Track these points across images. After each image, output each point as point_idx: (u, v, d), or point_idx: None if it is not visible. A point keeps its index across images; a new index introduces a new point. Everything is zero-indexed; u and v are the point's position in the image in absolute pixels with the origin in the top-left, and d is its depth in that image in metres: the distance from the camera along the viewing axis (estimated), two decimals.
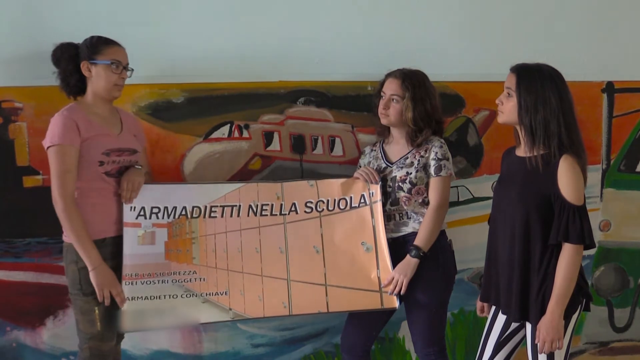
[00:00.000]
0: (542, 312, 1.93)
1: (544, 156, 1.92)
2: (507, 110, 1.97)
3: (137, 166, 2.23)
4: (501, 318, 2.09)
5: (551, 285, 1.92)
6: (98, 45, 2.13)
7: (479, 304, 2.22)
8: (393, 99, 2.31)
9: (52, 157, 2.04)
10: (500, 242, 2.05)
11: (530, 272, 1.96)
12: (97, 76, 2.12)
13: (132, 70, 2.19)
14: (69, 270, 2.12)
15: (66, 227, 2.05)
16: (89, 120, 2.10)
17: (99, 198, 2.13)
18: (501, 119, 2.02)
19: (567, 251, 1.89)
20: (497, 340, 2.10)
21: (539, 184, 1.92)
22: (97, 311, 2.10)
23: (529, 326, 2.00)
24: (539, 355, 1.95)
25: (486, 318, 2.18)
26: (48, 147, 2.05)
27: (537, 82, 1.91)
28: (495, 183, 2.23)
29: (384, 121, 2.34)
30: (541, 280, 1.94)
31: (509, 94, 1.96)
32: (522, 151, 2.00)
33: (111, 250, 2.15)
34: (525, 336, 2.07)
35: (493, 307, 2.14)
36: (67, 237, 2.10)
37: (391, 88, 2.32)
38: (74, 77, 2.13)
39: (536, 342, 1.93)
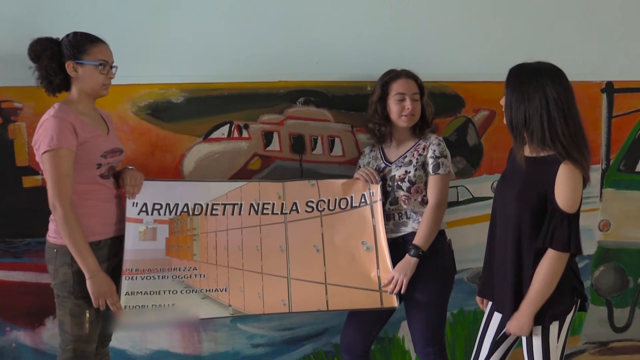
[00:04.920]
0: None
1: (543, 159, 1.91)
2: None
3: (129, 167, 2.23)
4: (497, 317, 2.09)
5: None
6: (84, 44, 2.05)
7: (478, 297, 2.24)
8: (415, 98, 2.32)
9: (49, 162, 1.97)
10: (496, 239, 2.05)
11: (523, 272, 1.95)
12: (84, 76, 2.06)
13: (117, 67, 2.13)
14: (60, 272, 2.06)
15: (64, 233, 1.99)
16: (82, 122, 2.05)
17: (94, 201, 2.10)
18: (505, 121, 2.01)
19: (550, 257, 1.89)
20: (493, 339, 2.10)
21: (537, 185, 1.92)
22: (87, 315, 2.07)
23: None
24: (535, 355, 1.97)
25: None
26: (45, 152, 1.97)
27: (522, 79, 1.91)
28: (495, 182, 2.23)
29: (409, 123, 2.32)
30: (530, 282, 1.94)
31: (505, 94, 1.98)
32: (526, 150, 1.98)
33: (106, 253, 2.12)
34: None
35: (489, 305, 2.14)
36: (56, 238, 2.06)
37: (409, 88, 2.32)
38: (58, 77, 2.05)
39: (506, 331, 1.97)
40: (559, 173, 1.87)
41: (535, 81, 1.89)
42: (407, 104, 2.30)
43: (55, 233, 2.07)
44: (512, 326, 1.95)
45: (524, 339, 2.00)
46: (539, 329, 1.95)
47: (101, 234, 2.12)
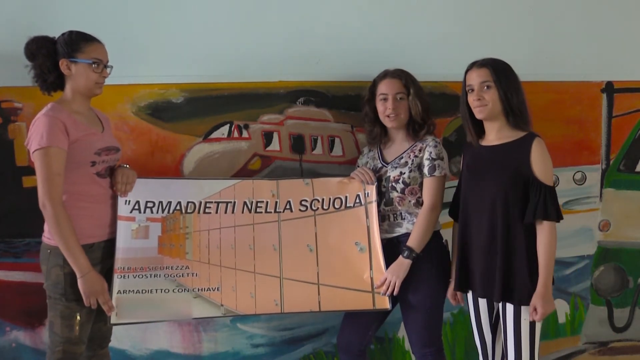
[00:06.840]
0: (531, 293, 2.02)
1: (516, 141, 2.06)
2: (492, 100, 2.06)
3: (124, 165, 2.22)
4: (483, 303, 2.16)
5: (537, 266, 2.02)
6: (78, 42, 2.05)
7: (451, 292, 2.27)
8: (398, 98, 2.30)
9: (39, 161, 1.96)
10: (474, 229, 2.11)
11: (515, 254, 2.04)
12: (77, 75, 2.05)
13: (112, 67, 2.12)
14: (52, 273, 2.04)
15: (55, 232, 1.97)
16: (75, 120, 2.03)
17: (88, 202, 2.08)
18: (486, 112, 2.08)
19: (549, 229, 2.01)
20: (490, 323, 2.17)
21: (517, 166, 2.03)
22: (78, 317, 2.05)
23: (509, 307, 2.06)
24: (523, 336, 2.04)
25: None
26: (35, 150, 1.96)
27: (507, 70, 2.09)
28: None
29: (392, 124, 2.31)
30: (528, 261, 2.02)
31: (487, 86, 2.06)
32: (491, 140, 2.12)
33: (99, 255, 2.10)
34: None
35: (470, 297, 2.20)
36: (50, 239, 2.04)
37: (392, 87, 2.30)
38: (52, 75, 2.05)
39: (532, 319, 2.02)
40: (536, 150, 2.02)
41: (512, 70, 2.09)
42: (388, 104, 2.29)
43: (49, 234, 2.05)
44: (541, 307, 1.99)
45: (509, 319, 2.06)
46: (527, 308, 2.03)
47: (93, 236, 2.09)
